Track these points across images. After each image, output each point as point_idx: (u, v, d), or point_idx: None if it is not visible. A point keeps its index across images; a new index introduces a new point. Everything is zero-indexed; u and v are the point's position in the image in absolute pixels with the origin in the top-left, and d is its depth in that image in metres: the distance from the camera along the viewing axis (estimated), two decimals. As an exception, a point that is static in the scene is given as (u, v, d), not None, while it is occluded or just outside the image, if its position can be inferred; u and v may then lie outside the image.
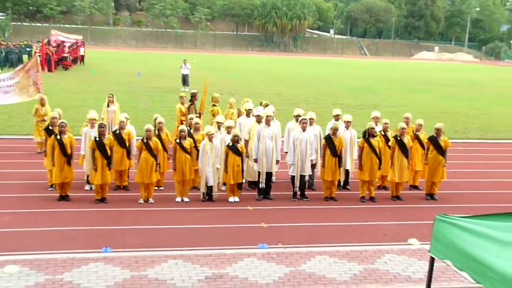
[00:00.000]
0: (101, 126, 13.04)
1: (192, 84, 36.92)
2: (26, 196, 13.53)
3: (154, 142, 13.14)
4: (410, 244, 11.20)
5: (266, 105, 15.57)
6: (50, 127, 13.82)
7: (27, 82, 18.82)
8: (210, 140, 13.28)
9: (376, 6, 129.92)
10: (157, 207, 13.01)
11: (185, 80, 38.00)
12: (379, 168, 14.11)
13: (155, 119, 14.26)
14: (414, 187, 15.48)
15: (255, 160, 13.88)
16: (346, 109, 27.45)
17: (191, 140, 13.52)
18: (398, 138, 14.14)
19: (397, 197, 14.43)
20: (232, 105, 17.34)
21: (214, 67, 59.71)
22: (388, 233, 11.88)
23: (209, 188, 13.56)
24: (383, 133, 14.61)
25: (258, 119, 14.14)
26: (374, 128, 14.01)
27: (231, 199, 13.66)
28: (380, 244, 11.14)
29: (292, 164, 13.88)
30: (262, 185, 13.84)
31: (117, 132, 13.79)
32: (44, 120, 17.53)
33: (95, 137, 12.97)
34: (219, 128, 14.21)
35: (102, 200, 13.18)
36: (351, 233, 11.82)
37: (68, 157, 12.99)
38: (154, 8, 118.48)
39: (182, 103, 17.81)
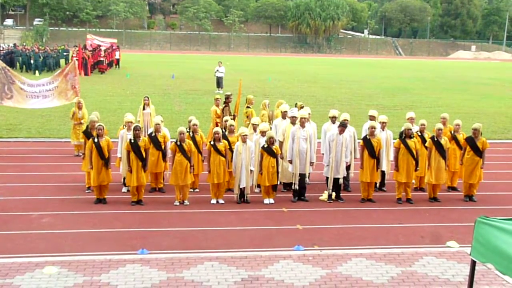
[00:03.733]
0: (136, 128, 13.11)
1: (226, 86, 37.14)
2: (64, 198, 13.70)
3: (188, 144, 13.18)
4: (449, 247, 10.99)
5: (302, 107, 15.47)
6: (89, 130, 13.95)
7: (66, 86, 19.09)
8: (244, 141, 13.26)
9: (410, 6, 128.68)
10: (192, 209, 13.04)
11: (219, 82, 38.16)
12: (416, 170, 13.93)
13: (190, 121, 14.31)
14: (452, 188, 15.23)
15: (290, 162, 13.82)
16: (381, 110, 27.17)
17: (225, 142, 13.50)
18: (435, 139, 13.93)
19: (434, 199, 14.22)
20: (265, 107, 17.25)
21: (248, 69, 59.87)
22: (425, 235, 11.69)
23: (242, 190, 13.56)
24: (419, 134, 14.41)
25: (293, 121, 14.10)
26: (410, 129, 13.82)
27: (266, 201, 13.63)
28: (418, 247, 10.97)
29: (327, 165, 13.80)
30: (295, 186, 13.78)
31: (153, 134, 13.85)
32: (81, 123, 17.78)
33: (130, 139, 13.05)
34: (255, 130, 14.19)
35: (138, 202, 13.27)
36: (388, 235, 11.66)
37: (105, 160, 13.10)
38: (188, 11, 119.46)
39: (217, 105, 17.78)
